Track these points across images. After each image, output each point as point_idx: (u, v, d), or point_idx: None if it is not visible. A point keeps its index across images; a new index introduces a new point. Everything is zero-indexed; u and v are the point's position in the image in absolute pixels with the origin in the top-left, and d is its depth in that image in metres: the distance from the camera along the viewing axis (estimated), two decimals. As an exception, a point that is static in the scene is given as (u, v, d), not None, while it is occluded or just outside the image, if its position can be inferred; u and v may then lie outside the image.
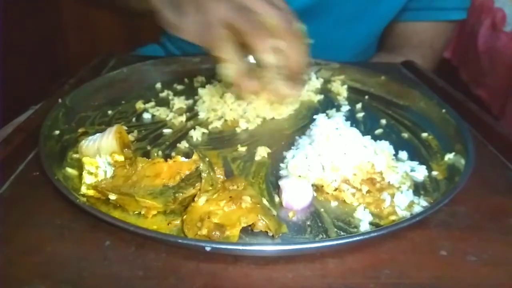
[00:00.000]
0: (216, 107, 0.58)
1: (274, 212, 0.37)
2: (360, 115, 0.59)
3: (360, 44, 0.90)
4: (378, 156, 0.42)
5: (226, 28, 0.47)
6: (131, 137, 0.50)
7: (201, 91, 0.61)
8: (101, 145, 0.40)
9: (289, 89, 0.50)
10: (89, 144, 0.41)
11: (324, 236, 0.36)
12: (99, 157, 0.39)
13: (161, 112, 0.58)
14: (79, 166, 0.41)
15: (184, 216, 0.36)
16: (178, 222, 0.36)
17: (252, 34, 0.46)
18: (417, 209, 0.39)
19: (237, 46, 0.48)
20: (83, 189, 0.38)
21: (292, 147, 0.47)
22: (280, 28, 0.46)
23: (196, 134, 0.52)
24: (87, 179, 0.39)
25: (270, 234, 0.35)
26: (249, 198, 0.36)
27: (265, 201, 0.38)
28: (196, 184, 0.37)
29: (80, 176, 0.40)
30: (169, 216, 0.37)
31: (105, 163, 0.39)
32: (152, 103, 0.60)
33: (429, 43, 0.88)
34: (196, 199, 0.37)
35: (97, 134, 0.41)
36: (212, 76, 0.65)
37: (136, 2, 0.70)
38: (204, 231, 0.34)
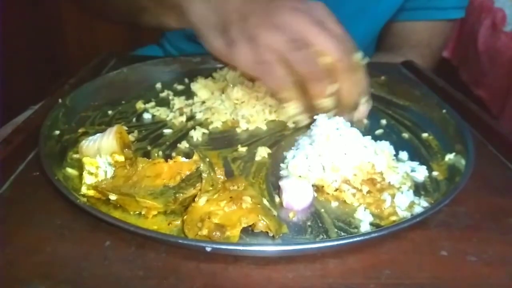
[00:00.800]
0: (214, 107, 0.57)
1: (275, 213, 0.37)
2: (360, 115, 0.59)
3: (358, 44, 0.89)
4: (379, 157, 0.41)
5: (281, 61, 0.43)
6: (131, 137, 0.50)
7: (193, 86, 0.62)
8: (101, 145, 0.40)
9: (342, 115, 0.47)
10: (89, 144, 0.41)
11: (325, 236, 0.36)
12: (99, 157, 0.39)
13: (161, 112, 0.57)
14: (79, 166, 0.41)
15: (185, 217, 0.36)
16: (178, 222, 0.36)
17: (309, 77, 0.43)
18: (417, 209, 0.39)
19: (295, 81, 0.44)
20: (84, 189, 0.38)
21: (292, 147, 0.47)
22: (337, 65, 0.43)
23: (197, 134, 0.52)
24: (88, 179, 0.39)
25: (271, 234, 0.35)
26: (249, 199, 0.36)
27: (265, 202, 0.38)
28: (197, 185, 0.37)
29: (80, 176, 0.40)
30: (169, 217, 0.37)
31: (106, 163, 0.39)
32: (152, 103, 0.59)
33: (428, 42, 0.88)
34: (196, 199, 0.36)
35: (97, 134, 0.41)
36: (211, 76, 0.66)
37: (149, 18, 0.64)
38: (204, 232, 0.33)
